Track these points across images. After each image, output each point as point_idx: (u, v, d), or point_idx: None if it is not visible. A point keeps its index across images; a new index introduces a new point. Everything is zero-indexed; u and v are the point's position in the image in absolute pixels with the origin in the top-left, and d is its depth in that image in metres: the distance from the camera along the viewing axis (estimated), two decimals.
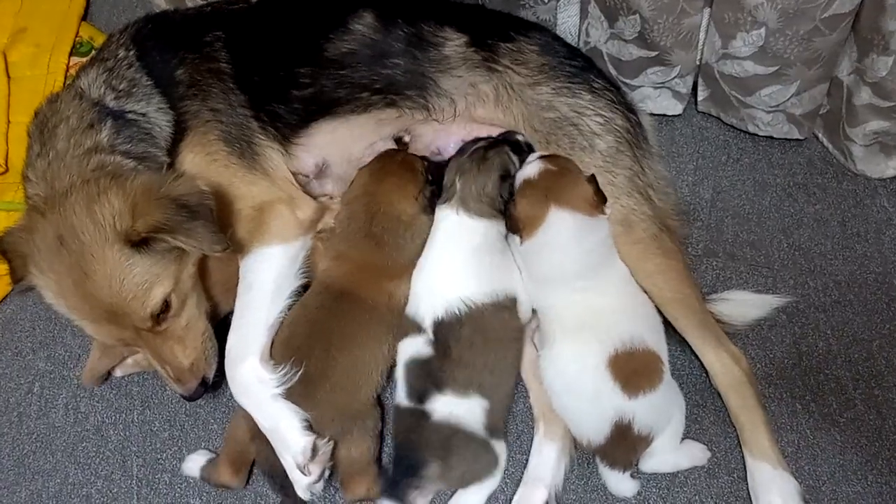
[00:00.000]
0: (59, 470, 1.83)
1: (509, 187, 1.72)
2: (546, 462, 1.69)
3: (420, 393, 1.62)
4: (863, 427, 1.71)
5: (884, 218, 1.94)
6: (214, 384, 1.71)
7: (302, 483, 1.58)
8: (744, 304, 1.81)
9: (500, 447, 1.66)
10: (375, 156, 1.86)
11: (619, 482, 1.61)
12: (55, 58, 2.35)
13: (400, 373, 1.67)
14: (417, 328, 1.66)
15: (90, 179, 1.58)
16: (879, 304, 1.84)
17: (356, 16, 1.86)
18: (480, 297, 1.65)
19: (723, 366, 1.68)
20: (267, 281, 1.71)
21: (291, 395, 1.63)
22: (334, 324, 1.69)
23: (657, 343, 1.64)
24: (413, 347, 1.66)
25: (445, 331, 1.63)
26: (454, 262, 1.69)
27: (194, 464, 1.76)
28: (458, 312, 1.63)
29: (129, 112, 1.73)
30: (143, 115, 1.74)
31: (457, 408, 1.60)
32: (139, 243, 1.54)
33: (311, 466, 1.58)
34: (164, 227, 1.52)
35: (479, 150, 1.76)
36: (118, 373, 1.89)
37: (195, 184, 1.60)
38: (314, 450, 1.58)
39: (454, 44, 1.85)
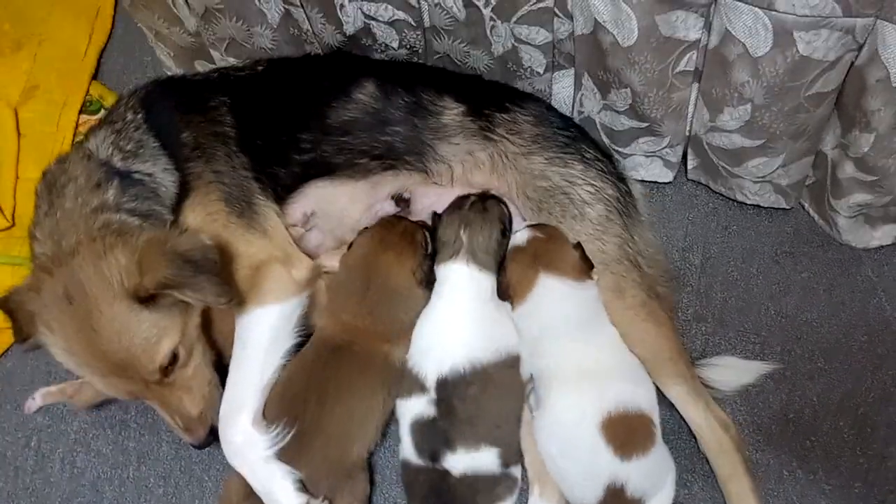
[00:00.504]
0: None
1: (507, 243, 1.77)
2: None
3: (431, 453, 1.63)
4: (849, 494, 1.73)
5: (869, 287, 1.98)
6: None
7: None
8: (732, 370, 1.85)
9: (516, 471, 1.69)
10: (377, 222, 1.89)
11: None
12: (65, 115, 2.41)
13: (405, 431, 1.69)
14: (420, 387, 1.68)
15: (96, 237, 1.62)
16: (864, 371, 1.87)
17: (358, 84, 1.91)
18: (487, 355, 1.67)
19: (712, 432, 1.70)
20: (261, 342, 1.74)
21: (286, 449, 1.65)
22: (329, 375, 1.72)
23: (649, 406, 1.66)
24: (417, 408, 1.67)
25: (449, 390, 1.65)
26: (462, 319, 1.72)
27: None
28: (462, 372, 1.65)
29: (136, 172, 1.78)
30: (150, 175, 1.79)
31: (472, 461, 1.62)
32: (146, 299, 1.57)
33: None
34: (171, 282, 1.55)
35: (477, 203, 1.81)
36: (36, 403, 1.91)
37: (199, 238, 1.64)
38: None
39: (452, 113, 1.91)
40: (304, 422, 1.67)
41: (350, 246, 1.87)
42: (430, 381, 1.67)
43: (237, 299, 1.69)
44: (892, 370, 1.86)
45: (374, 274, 1.79)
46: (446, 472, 1.62)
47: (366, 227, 1.89)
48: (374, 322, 1.77)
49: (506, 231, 1.79)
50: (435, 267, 1.79)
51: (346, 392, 1.71)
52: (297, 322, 1.79)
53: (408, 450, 1.68)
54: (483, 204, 1.80)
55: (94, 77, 2.57)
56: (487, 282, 1.74)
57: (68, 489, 1.89)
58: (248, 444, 1.65)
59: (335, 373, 1.73)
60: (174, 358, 1.63)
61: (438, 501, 1.63)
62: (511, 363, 1.70)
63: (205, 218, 1.79)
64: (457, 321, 1.72)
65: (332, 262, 1.91)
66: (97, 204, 1.70)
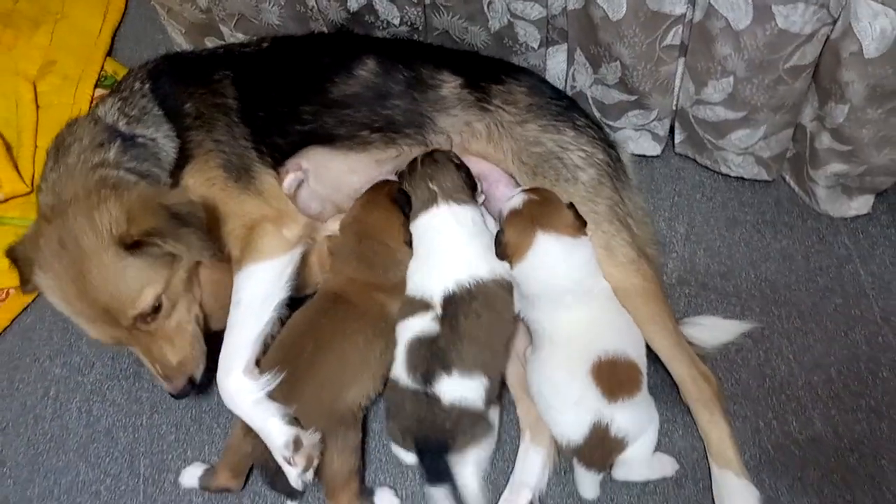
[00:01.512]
0: (71, 468, 1.94)
1: (467, 173, 1.90)
2: (531, 468, 1.80)
3: (426, 375, 1.69)
4: (821, 445, 1.83)
5: (844, 254, 2.09)
6: (203, 386, 1.82)
7: (292, 474, 1.69)
8: (714, 329, 1.94)
9: (494, 414, 1.77)
10: (368, 187, 1.99)
11: (589, 484, 1.73)
12: (81, 89, 2.53)
13: (400, 350, 1.76)
14: (425, 306, 1.76)
15: (92, 190, 1.73)
16: (838, 332, 1.97)
17: (359, 61, 2.01)
18: (484, 274, 1.77)
19: (693, 382, 1.79)
20: (254, 297, 1.83)
21: (281, 390, 1.74)
22: (326, 323, 1.83)
23: (638, 356, 1.76)
24: (419, 325, 1.75)
25: (456, 304, 1.74)
26: (458, 247, 1.81)
27: (191, 475, 1.87)
28: (468, 286, 1.75)
29: (139, 136, 1.90)
30: (153, 139, 1.90)
31: (463, 390, 1.69)
32: (132, 246, 1.68)
33: (296, 458, 1.68)
34: (156, 232, 1.66)
35: (426, 158, 1.92)
36: None
37: (187, 195, 1.76)
38: (296, 441, 1.69)
39: (450, 85, 2.01)
40: (300, 366, 1.77)
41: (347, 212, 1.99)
42: (437, 299, 1.75)
43: (220, 255, 1.79)
44: (864, 331, 1.97)
45: (365, 232, 1.90)
46: (435, 400, 1.68)
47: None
48: (373, 274, 1.87)
49: (458, 164, 1.90)
50: (411, 226, 1.88)
51: (341, 339, 1.80)
52: (291, 277, 1.88)
53: (399, 369, 1.75)
54: (431, 157, 1.92)
55: (109, 54, 2.69)
56: (469, 212, 1.85)
57: (84, 435, 1.99)
58: (241, 390, 1.75)
59: (331, 321, 1.83)
60: (157, 307, 1.73)
61: (421, 430, 1.69)
62: (504, 285, 1.80)
63: (204, 182, 1.89)
64: (453, 250, 1.81)
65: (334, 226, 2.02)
66: (98, 161, 1.82)
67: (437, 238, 1.84)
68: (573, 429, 1.69)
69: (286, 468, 1.70)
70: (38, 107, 2.48)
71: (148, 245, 1.68)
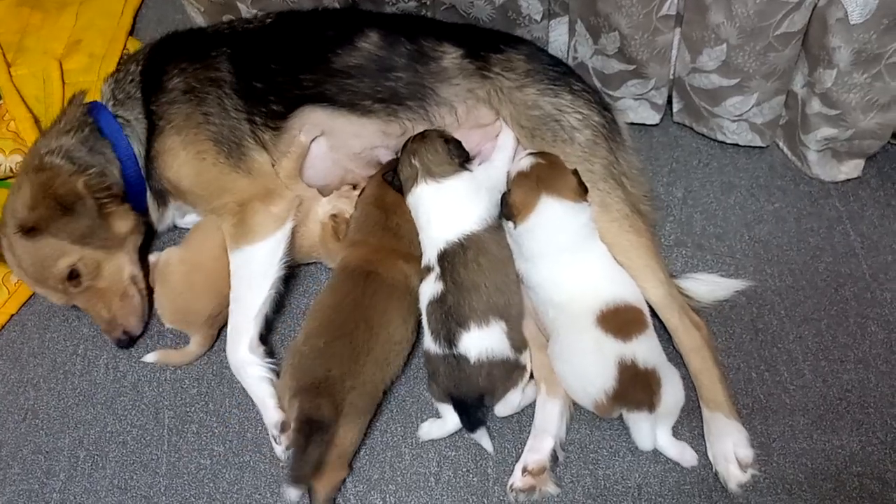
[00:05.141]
0: (99, 420, 2.04)
1: (457, 145, 1.97)
2: (550, 417, 1.86)
3: (447, 336, 1.79)
4: (810, 394, 1.90)
5: (835, 216, 2.17)
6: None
7: (277, 449, 1.88)
8: (710, 285, 2.03)
9: (524, 357, 1.86)
10: (378, 168, 2.11)
11: (646, 431, 1.77)
12: (105, 67, 2.63)
13: (423, 318, 1.86)
14: (428, 269, 1.87)
15: (23, 172, 1.98)
16: (828, 289, 2.05)
17: (362, 34, 2.09)
18: (473, 226, 1.87)
19: (685, 331, 1.87)
20: (253, 275, 1.97)
21: (339, 363, 1.80)
22: (368, 302, 1.89)
23: (637, 301, 1.84)
24: (429, 289, 1.85)
25: (450, 258, 1.84)
26: (446, 216, 1.90)
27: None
28: (458, 241, 1.84)
29: (120, 117, 2.06)
30: (128, 121, 2.06)
31: (486, 341, 1.78)
32: (31, 231, 1.88)
33: (282, 437, 1.83)
34: (43, 221, 1.89)
35: (416, 136, 2.00)
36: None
37: (74, 186, 1.93)
38: (284, 425, 1.82)
39: (451, 56, 2.09)
40: (357, 344, 1.84)
41: (362, 191, 2.10)
42: (433, 260, 1.86)
43: (107, 244, 2.00)
44: (853, 288, 2.05)
45: (388, 205, 2.02)
46: (464, 360, 1.76)
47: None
48: (400, 243, 1.98)
49: (447, 139, 1.97)
50: (407, 202, 1.97)
51: (388, 317, 1.89)
52: (284, 254, 2.00)
53: (427, 339, 1.85)
54: (421, 134, 2.00)
55: (131, 33, 2.80)
56: (452, 184, 1.93)
57: (112, 390, 2.09)
58: (246, 364, 1.91)
59: (372, 300, 1.89)
60: (75, 273, 1.96)
61: (459, 391, 1.78)
62: (495, 226, 1.90)
63: (195, 155, 2.01)
64: (441, 219, 1.91)
65: (338, 204, 2.13)
66: (54, 146, 2.02)
67: (423, 214, 1.94)
68: (602, 377, 1.74)
69: (273, 443, 1.88)
70: (64, 84, 2.59)
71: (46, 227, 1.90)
